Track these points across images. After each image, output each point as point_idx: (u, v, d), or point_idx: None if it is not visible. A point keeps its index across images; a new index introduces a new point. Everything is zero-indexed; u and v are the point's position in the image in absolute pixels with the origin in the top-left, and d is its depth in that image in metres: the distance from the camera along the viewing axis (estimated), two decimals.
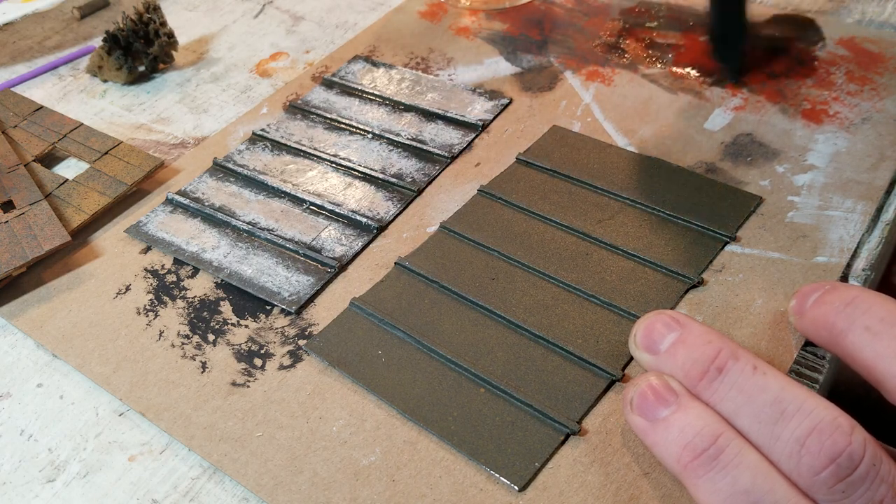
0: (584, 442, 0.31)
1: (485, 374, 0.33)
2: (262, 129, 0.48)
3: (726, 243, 0.37)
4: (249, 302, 0.38)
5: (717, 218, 0.38)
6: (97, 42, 0.59)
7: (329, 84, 0.51)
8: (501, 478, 0.29)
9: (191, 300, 0.38)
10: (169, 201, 0.44)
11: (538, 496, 0.29)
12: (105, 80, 0.55)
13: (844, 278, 0.35)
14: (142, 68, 0.55)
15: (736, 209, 0.39)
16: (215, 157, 0.46)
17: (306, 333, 0.36)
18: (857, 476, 0.24)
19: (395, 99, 0.49)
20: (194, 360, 0.36)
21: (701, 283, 0.36)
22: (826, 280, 0.33)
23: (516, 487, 0.29)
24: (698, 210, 0.39)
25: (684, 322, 0.28)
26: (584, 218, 0.39)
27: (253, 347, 0.36)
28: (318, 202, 0.42)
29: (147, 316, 0.38)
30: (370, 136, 0.47)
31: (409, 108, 0.49)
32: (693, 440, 0.25)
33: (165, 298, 0.39)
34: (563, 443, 0.30)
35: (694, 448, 0.25)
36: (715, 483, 0.25)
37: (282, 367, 0.35)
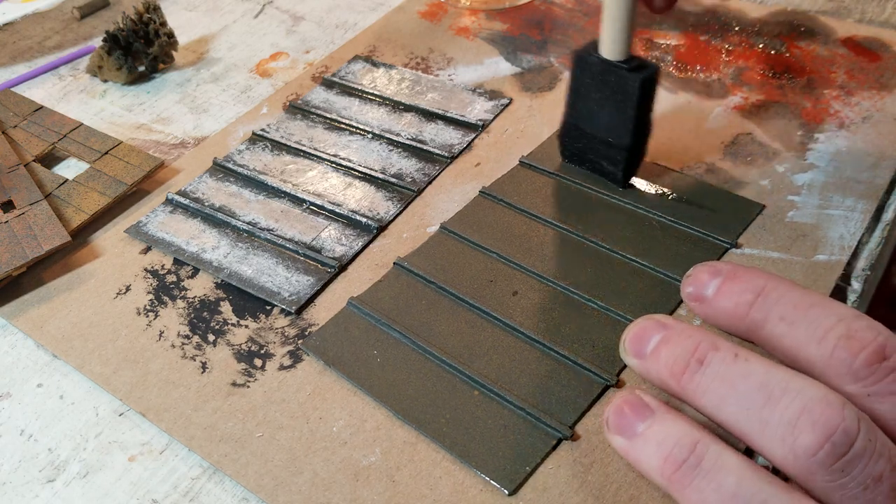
0: (584, 442, 0.30)
1: (479, 376, 0.33)
2: (262, 129, 0.48)
3: (727, 250, 0.37)
4: (249, 302, 0.38)
5: (718, 225, 0.38)
6: (97, 42, 0.59)
7: (329, 84, 0.51)
8: (491, 481, 0.29)
9: (191, 300, 0.38)
10: (169, 201, 0.44)
11: (538, 496, 0.29)
12: (105, 80, 0.55)
13: (845, 278, 0.35)
14: (142, 68, 0.55)
15: (738, 216, 0.38)
16: (215, 157, 0.46)
17: (306, 333, 0.36)
18: (855, 452, 0.23)
19: (395, 99, 0.49)
20: (194, 360, 0.35)
21: None
22: (716, 262, 0.30)
23: (506, 491, 0.29)
24: (700, 216, 0.39)
25: (668, 324, 0.28)
26: (586, 221, 0.39)
27: (253, 348, 0.36)
28: (318, 202, 0.42)
29: (147, 316, 0.38)
30: (370, 136, 0.47)
31: (409, 108, 0.49)
32: (672, 452, 0.25)
33: (165, 298, 0.39)
34: (554, 448, 0.30)
35: (674, 460, 0.25)
36: (701, 491, 0.24)
37: (282, 368, 0.35)
